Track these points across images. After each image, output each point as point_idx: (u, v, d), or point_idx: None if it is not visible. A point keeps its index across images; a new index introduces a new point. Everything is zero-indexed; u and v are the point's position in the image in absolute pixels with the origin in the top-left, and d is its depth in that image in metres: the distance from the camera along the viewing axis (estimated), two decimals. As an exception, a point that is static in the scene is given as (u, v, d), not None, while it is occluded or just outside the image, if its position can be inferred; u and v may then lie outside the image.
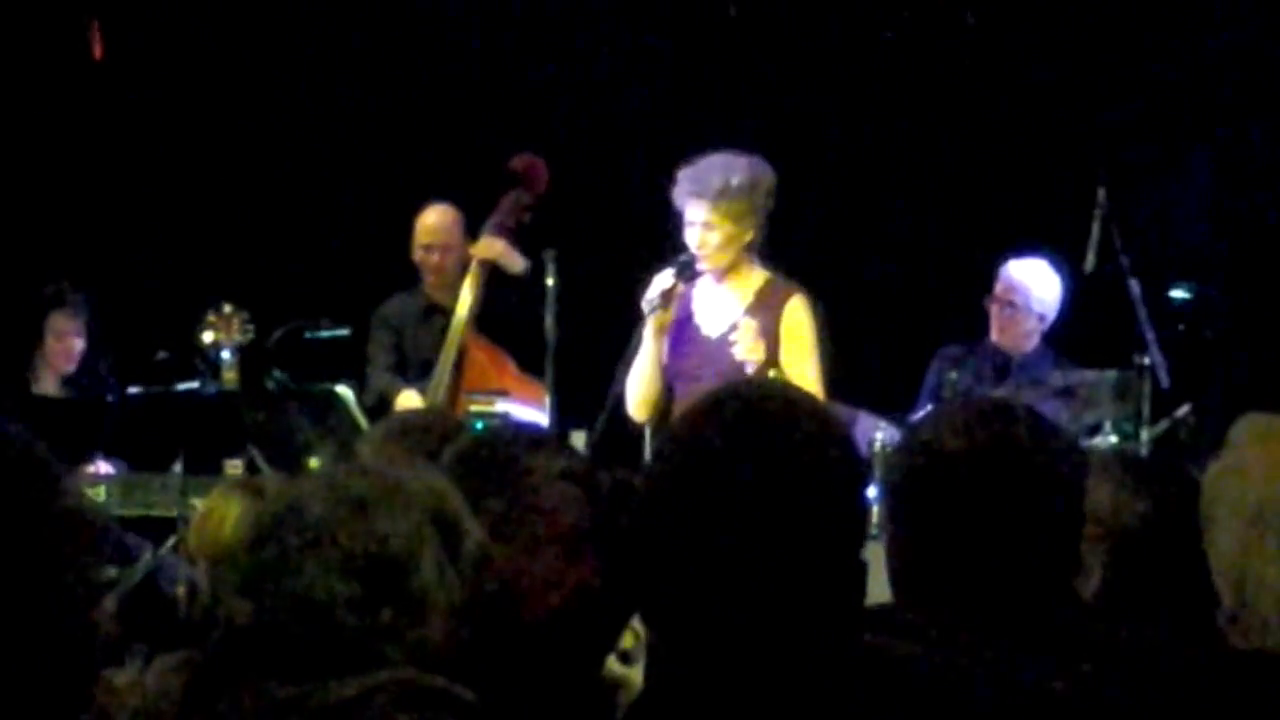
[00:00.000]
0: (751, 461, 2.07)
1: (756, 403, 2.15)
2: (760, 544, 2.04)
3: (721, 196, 5.73)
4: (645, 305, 5.82)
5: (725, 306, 5.87)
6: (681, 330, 5.89)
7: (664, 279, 5.82)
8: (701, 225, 5.76)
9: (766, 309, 5.81)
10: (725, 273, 5.85)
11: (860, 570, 2.11)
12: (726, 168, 5.77)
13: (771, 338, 5.75)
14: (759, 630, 2.04)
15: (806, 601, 2.05)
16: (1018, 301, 7.07)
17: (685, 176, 5.80)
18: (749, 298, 5.85)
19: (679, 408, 5.72)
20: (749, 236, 5.82)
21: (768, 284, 5.86)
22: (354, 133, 8.59)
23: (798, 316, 5.80)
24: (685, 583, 2.06)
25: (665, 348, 5.89)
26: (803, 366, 5.75)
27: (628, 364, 5.93)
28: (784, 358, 5.76)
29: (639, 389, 5.90)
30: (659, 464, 2.15)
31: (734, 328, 5.78)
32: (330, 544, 2.17)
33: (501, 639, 2.45)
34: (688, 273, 5.84)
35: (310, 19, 8.69)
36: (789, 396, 2.20)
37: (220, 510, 4.22)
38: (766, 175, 5.83)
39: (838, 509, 2.09)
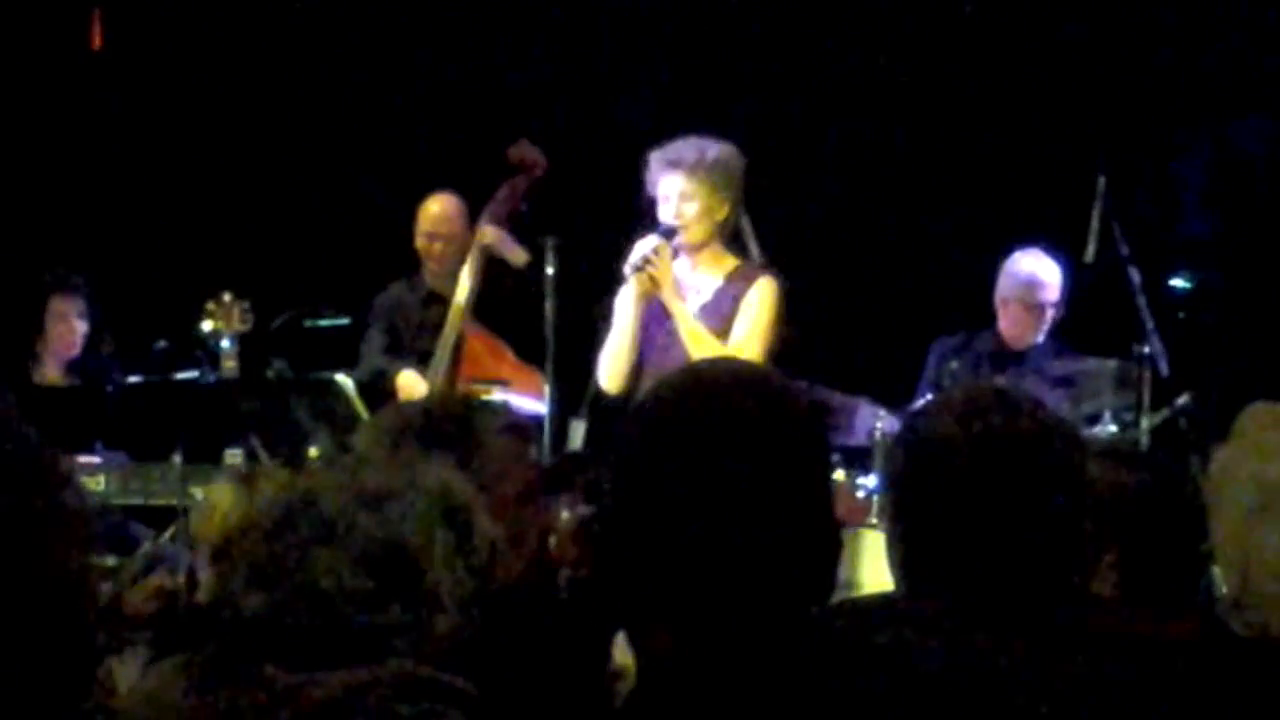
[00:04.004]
0: (704, 437, 2.10)
1: (710, 380, 2.17)
2: (720, 519, 2.06)
3: (698, 166, 5.75)
4: (627, 269, 5.80)
5: (697, 286, 5.85)
6: (653, 309, 5.86)
7: (647, 242, 5.80)
8: (678, 196, 5.77)
9: (736, 285, 5.81)
10: (698, 252, 5.83)
11: (829, 545, 2.12)
12: (700, 143, 5.81)
13: (733, 313, 5.76)
14: (730, 613, 2.05)
15: (769, 580, 2.06)
16: (1046, 301, 6.97)
17: (658, 153, 5.82)
18: (720, 279, 5.84)
19: (646, 384, 5.71)
20: (723, 213, 5.81)
21: (739, 266, 5.87)
22: (355, 121, 8.58)
23: (760, 292, 5.79)
24: (654, 567, 2.07)
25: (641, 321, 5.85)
26: (748, 338, 5.73)
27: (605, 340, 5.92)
28: (734, 327, 5.76)
29: (613, 359, 5.85)
30: (621, 449, 2.17)
31: (703, 307, 5.78)
32: (343, 538, 2.17)
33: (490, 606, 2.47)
34: (672, 237, 5.79)
35: (311, 8, 8.68)
36: (742, 372, 2.23)
37: (215, 500, 4.29)
38: (738, 156, 5.85)
39: (796, 481, 2.11)
